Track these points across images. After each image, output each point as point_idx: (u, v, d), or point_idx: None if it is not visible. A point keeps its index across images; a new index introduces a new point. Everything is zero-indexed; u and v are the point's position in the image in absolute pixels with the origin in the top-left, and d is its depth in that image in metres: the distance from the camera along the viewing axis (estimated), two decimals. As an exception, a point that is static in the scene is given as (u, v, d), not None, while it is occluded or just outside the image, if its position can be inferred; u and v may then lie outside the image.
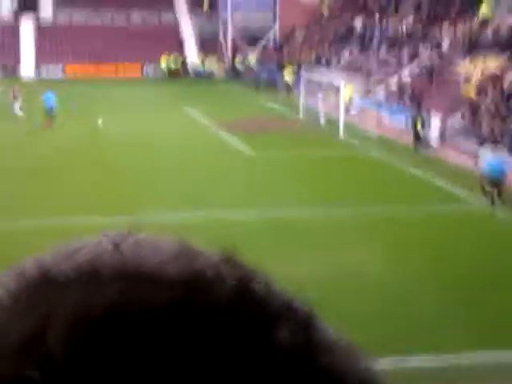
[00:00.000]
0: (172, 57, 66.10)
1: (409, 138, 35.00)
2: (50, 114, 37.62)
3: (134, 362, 0.57)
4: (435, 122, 36.73)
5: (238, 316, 0.59)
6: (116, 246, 0.62)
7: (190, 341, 0.57)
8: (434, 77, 42.63)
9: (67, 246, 0.63)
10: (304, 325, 0.61)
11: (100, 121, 37.93)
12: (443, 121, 36.65)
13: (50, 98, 38.34)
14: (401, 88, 44.42)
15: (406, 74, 46.83)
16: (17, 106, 39.97)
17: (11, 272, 0.62)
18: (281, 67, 60.72)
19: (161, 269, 0.60)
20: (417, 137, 34.76)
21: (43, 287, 0.60)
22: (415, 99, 41.58)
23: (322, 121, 39.62)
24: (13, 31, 68.46)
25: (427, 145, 35.13)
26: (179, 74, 65.79)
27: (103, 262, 0.61)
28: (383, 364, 12.13)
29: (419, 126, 34.79)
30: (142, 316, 0.58)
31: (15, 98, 40.14)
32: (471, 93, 37.96)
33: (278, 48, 67.28)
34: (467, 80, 39.81)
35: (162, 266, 0.60)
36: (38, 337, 0.57)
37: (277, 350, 0.59)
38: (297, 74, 53.08)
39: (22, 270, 0.62)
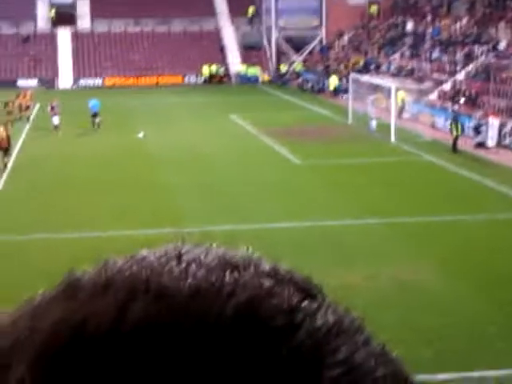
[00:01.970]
0: (214, 66, 64.79)
1: (464, 142, 33.17)
2: (95, 115, 39.87)
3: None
4: (493, 125, 34.76)
5: (228, 340, 0.61)
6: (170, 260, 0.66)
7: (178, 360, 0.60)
8: (492, 78, 40.53)
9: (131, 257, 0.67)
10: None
11: (142, 133, 36.78)
12: (502, 123, 34.65)
13: (96, 105, 40.33)
14: (455, 91, 42.41)
15: (461, 77, 44.83)
16: (56, 119, 38.77)
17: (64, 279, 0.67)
18: (328, 72, 59.01)
19: (170, 286, 0.63)
20: (455, 140, 32.94)
21: (60, 296, 0.65)
22: (469, 101, 39.68)
23: (373, 126, 37.78)
24: (51, 43, 67.79)
25: (485, 147, 33.33)
26: (222, 80, 64.42)
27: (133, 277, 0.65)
28: None
29: (457, 130, 32.86)
30: (106, 340, 0.61)
31: (54, 112, 38.95)
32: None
33: (325, 53, 65.48)
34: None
35: (174, 284, 0.63)
36: (20, 345, 0.62)
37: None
38: (345, 78, 51.27)
39: (68, 277, 0.67)
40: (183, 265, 0.66)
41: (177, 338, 0.61)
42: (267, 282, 0.65)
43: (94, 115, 39.97)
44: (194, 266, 0.66)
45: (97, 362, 0.60)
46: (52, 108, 39.31)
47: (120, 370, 0.60)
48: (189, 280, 0.64)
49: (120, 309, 0.62)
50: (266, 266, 0.68)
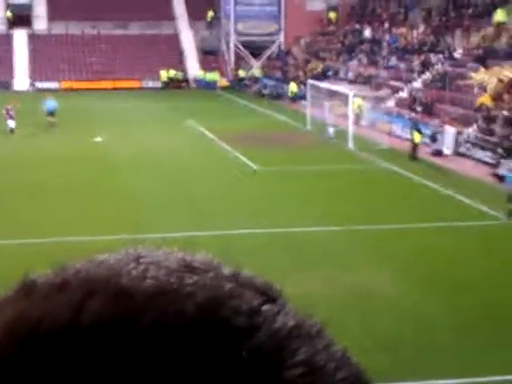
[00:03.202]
0: (172, 71, 64.59)
1: (423, 150, 33.49)
2: (51, 114, 40.41)
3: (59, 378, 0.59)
4: (449, 133, 35.13)
5: (187, 338, 0.61)
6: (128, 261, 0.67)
7: (127, 356, 0.60)
8: (447, 86, 40.95)
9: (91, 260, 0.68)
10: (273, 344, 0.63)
11: (99, 138, 36.55)
12: (458, 131, 35.01)
13: (51, 104, 41.04)
14: (412, 98, 42.77)
15: (418, 84, 45.23)
16: (11, 122, 38.31)
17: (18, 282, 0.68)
18: (286, 78, 59.19)
19: (133, 285, 0.64)
20: (413, 148, 33.20)
21: (15, 297, 0.66)
22: (426, 109, 40.06)
23: (331, 132, 37.94)
24: (7, 45, 67.03)
25: (441, 155, 33.70)
26: (180, 85, 64.24)
27: (89, 276, 0.65)
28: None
29: (417, 137, 33.17)
30: (62, 337, 0.60)
31: (10, 116, 38.47)
32: (487, 102, 36.25)
33: (283, 58, 65.63)
34: (482, 89, 38.16)
35: (135, 283, 0.64)
36: None
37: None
38: (303, 84, 51.43)
39: (24, 279, 0.67)
40: (142, 266, 0.66)
41: (134, 336, 0.60)
42: (228, 285, 0.65)
43: (50, 114, 40.39)
44: (153, 267, 0.66)
45: (52, 360, 0.60)
46: (7, 111, 38.85)
47: (75, 368, 0.59)
48: (148, 280, 0.64)
49: (76, 307, 0.62)
50: (227, 270, 0.68)
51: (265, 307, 0.65)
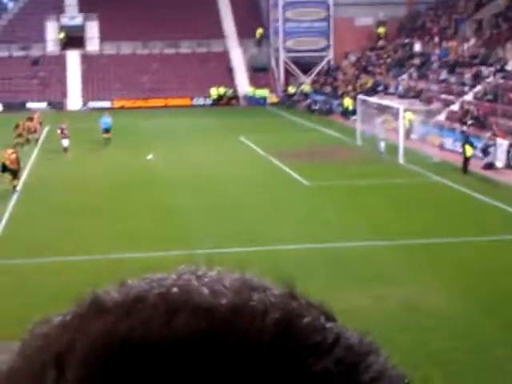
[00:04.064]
0: (222, 88, 65.00)
1: (472, 163, 33.15)
2: (106, 131, 42.36)
3: None
4: (502, 146, 34.75)
5: (272, 352, 0.62)
6: (189, 280, 0.67)
7: (205, 374, 0.62)
8: (499, 99, 40.54)
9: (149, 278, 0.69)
10: (348, 364, 0.65)
11: (150, 155, 36.88)
12: (511, 144, 34.61)
13: (107, 121, 42.70)
14: (464, 111, 42.42)
15: (469, 98, 44.86)
16: (65, 141, 38.96)
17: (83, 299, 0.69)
18: (336, 93, 59.14)
19: (207, 304, 0.65)
20: (465, 161, 32.87)
21: (87, 313, 0.67)
22: (478, 122, 39.71)
23: (382, 147, 37.80)
24: (60, 66, 68.13)
25: (493, 168, 33.36)
26: (230, 102, 64.59)
27: (156, 295, 0.66)
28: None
29: (468, 151, 32.85)
30: (157, 348, 0.62)
31: (64, 135, 39.16)
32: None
33: (333, 74, 65.62)
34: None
35: (210, 302, 0.65)
36: (58, 359, 0.64)
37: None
38: (353, 100, 51.33)
39: (87, 296, 0.68)
40: (208, 285, 0.67)
41: (222, 352, 0.62)
42: (293, 303, 0.67)
43: (106, 131, 42.17)
44: (219, 286, 0.67)
45: (146, 371, 0.62)
46: (62, 131, 39.48)
47: (167, 380, 0.61)
48: (221, 298, 0.65)
49: (165, 321, 0.63)
50: (282, 288, 0.70)
51: (329, 324, 0.67)
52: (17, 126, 42.22)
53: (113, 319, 0.65)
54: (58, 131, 39.85)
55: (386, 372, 0.67)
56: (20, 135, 41.84)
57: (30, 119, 44.71)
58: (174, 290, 0.67)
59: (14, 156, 30.83)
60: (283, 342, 0.63)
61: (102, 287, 0.69)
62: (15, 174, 30.41)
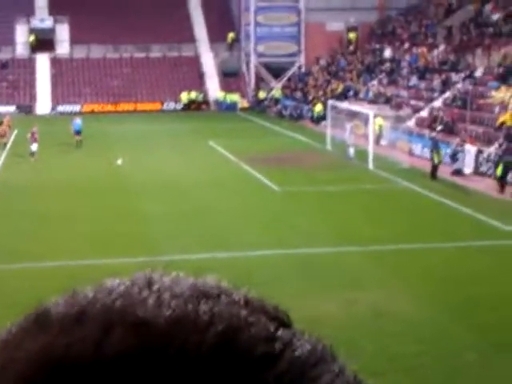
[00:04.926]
0: (193, 93, 64.90)
1: (441, 169, 33.35)
2: (77, 133, 42.91)
3: None
4: (470, 152, 34.97)
5: (210, 366, 0.61)
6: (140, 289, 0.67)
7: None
8: (468, 105, 40.80)
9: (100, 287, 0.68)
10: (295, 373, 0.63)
11: (120, 160, 36.68)
12: (479, 150, 34.85)
13: (78, 124, 43.43)
14: (433, 118, 42.66)
15: (438, 104, 45.13)
16: (34, 146, 38.60)
17: (32, 311, 0.68)
18: (306, 99, 59.24)
19: (141, 315, 0.64)
20: (433, 167, 33.12)
21: (30, 327, 0.66)
22: (447, 128, 39.96)
23: (351, 153, 37.90)
24: (29, 69, 67.63)
25: (462, 174, 33.58)
26: (201, 106, 64.50)
27: (99, 306, 0.65)
28: None
29: (438, 157, 33.05)
30: (90, 367, 0.62)
31: (34, 138, 38.80)
32: (508, 120, 36.09)
33: (304, 79, 65.73)
34: (503, 108, 38.03)
35: (147, 314, 0.64)
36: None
37: None
38: (323, 105, 51.44)
39: (34, 309, 0.68)
40: (156, 294, 0.66)
41: (158, 367, 0.61)
42: (242, 312, 0.65)
43: (77, 133, 42.76)
44: (167, 295, 0.66)
45: None
46: (32, 134, 39.20)
47: None
48: (164, 310, 0.64)
49: (98, 339, 0.62)
50: (237, 294, 0.68)
51: (280, 332, 0.65)
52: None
53: (51, 336, 0.64)
54: (29, 135, 39.54)
55: (336, 383, 0.65)
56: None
57: (0, 123, 44.33)
58: (118, 302, 0.66)
59: None
60: (223, 355, 0.62)
61: (54, 297, 0.68)
62: None
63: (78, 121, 43.76)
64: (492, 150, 34.99)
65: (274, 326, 0.66)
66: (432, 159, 33.65)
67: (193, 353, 0.62)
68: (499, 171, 30.63)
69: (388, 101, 49.87)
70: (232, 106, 64.24)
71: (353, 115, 42.17)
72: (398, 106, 48.05)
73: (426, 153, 36.77)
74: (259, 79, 68.29)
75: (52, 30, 69.91)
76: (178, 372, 0.61)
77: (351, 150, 38.11)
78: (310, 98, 58.90)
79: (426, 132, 40.89)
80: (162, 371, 0.61)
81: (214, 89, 67.26)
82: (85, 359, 0.62)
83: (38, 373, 0.62)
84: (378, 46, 61.66)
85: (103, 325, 0.64)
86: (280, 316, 0.68)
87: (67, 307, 0.67)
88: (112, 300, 0.66)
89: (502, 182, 30.36)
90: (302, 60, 68.41)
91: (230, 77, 68.72)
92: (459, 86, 45.45)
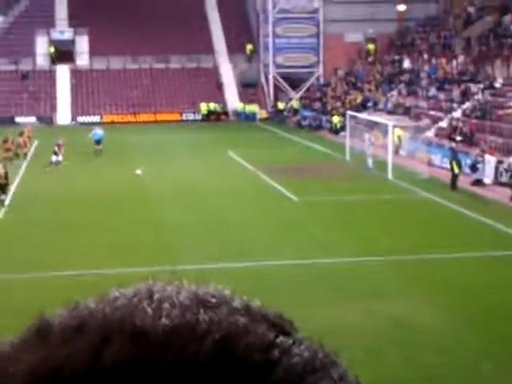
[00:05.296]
0: (212, 104, 65.08)
1: (461, 179, 33.26)
2: (97, 143, 43.37)
3: None
4: (490, 162, 34.86)
5: (207, 375, 0.61)
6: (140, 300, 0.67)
7: None
8: (488, 116, 40.72)
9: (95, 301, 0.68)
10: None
11: (139, 170, 36.83)
12: (498, 161, 34.74)
13: (98, 133, 43.91)
14: (452, 128, 42.57)
15: (458, 115, 45.03)
16: (59, 157, 38.83)
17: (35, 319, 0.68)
18: (325, 109, 59.28)
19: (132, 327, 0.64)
20: (453, 177, 32.97)
21: (31, 339, 0.66)
22: (466, 139, 39.86)
23: (370, 163, 37.87)
24: (50, 80, 68.08)
25: (482, 184, 33.47)
26: (220, 117, 64.67)
27: (98, 318, 0.66)
28: None
29: (458, 167, 32.96)
30: (86, 380, 0.62)
31: (59, 150, 39.12)
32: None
33: (322, 90, 65.78)
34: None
35: (141, 324, 0.64)
36: None
37: None
38: (342, 116, 51.45)
39: (36, 320, 0.68)
40: (156, 304, 0.66)
41: (155, 376, 0.61)
42: (241, 320, 0.65)
43: (97, 143, 43.24)
44: (167, 304, 0.66)
45: None
46: (58, 146, 39.47)
47: None
48: (163, 319, 0.64)
49: (95, 351, 0.62)
50: (239, 303, 0.68)
51: (279, 340, 0.65)
52: (5, 141, 42.12)
53: (49, 349, 0.64)
54: (56, 148, 39.68)
55: None
56: (9, 149, 41.73)
57: (21, 134, 44.67)
58: (117, 313, 0.66)
59: (2, 171, 30.75)
60: (220, 363, 0.62)
61: (57, 309, 0.69)
62: (3, 188, 30.31)
63: (98, 131, 44.31)
64: (511, 160, 34.86)
65: (274, 333, 0.66)
66: (452, 169, 33.57)
67: (189, 361, 0.62)
68: None
69: (407, 111, 49.82)
70: (251, 117, 64.38)
71: (372, 126, 42.16)
72: (417, 117, 47.99)
73: (446, 163, 36.67)
74: (278, 90, 68.41)
75: (72, 42, 70.39)
76: (175, 380, 0.61)
77: (369, 161, 38.09)
78: (329, 108, 58.94)
79: (446, 142, 40.80)
80: (159, 380, 0.61)
81: (232, 99, 67.45)
82: (83, 370, 0.62)
83: None
84: (396, 57, 61.64)
85: (101, 335, 0.64)
86: (281, 324, 0.68)
87: (68, 319, 0.67)
88: (112, 311, 0.66)
89: None
90: (320, 71, 68.48)
91: (248, 88, 68.90)
92: (478, 96, 45.36)
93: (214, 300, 0.68)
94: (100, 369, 0.62)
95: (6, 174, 30.84)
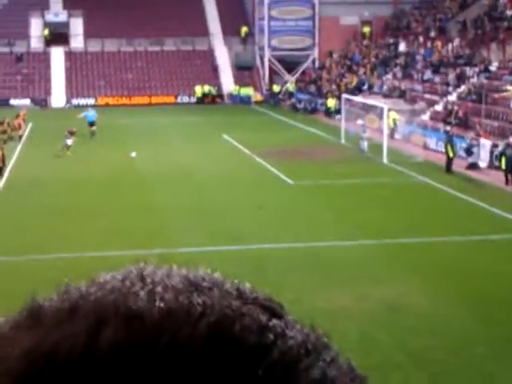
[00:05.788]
0: (207, 86, 64.89)
1: (456, 163, 33.26)
2: (91, 124, 43.30)
3: None
4: (485, 146, 34.86)
5: (203, 357, 0.62)
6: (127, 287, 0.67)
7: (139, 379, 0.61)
8: (483, 99, 40.66)
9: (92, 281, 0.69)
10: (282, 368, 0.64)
11: (134, 153, 36.75)
12: (494, 144, 34.72)
13: (92, 116, 43.88)
14: (447, 112, 42.52)
15: (453, 98, 44.98)
16: (69, 141, 38.29)
17: (24, 305, 0.68)
18: (320, 92, 59.17)
19: (129, 309, 0.64)
20: (448, 161, 32.95)
21: (23, 323, 0.66)
22: (461, 122, 39.82)
23: (365, 146, 37.83)
24: (44, 63, 67.81)
25: (477, 168, 33.48)
26: (214, 100, 64.52)
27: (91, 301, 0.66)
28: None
29: (453, 151, 32.97)
30: (80, 364, 0.62)
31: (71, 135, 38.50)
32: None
33: (318, 73, 65.63)
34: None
35: (135, 308, 0.64)
36: None
37: None
38: (337, 98, 51.36)
39: (28, 303, 0.68)
40: (149, 287, 0.67)
41: (150, 360, 0.61)
42: (234, 303, 0.66)
43: (91, 124, 43.15)
44: (159, 288, 0.67)
45: None
46: (71, 133, 38.75)
47: None
48: (157, 302, 0.65)
49: (91, 334, 0.63)
50: (230, 286, 0.69)
51: (272, 323, 0.66)
52: (1, 123, 41.96)
53: (42, 332, 0.64)
54: (66, 133, 39.06)
55: (328, 373, 0.65)
56: (4, 132, 41.59)
57: (16, 116, 44.51)
58: (110, 296, 0.66)
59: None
60: (215, 345, 0.62)
61: (48, 292, 0.68)
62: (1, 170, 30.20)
63: (91, 112, 44.28)
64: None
65: (267, 316, 0.66)
66: (446, 153, 33.56)
67: (185, 344, 0.62)
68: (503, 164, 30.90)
69: (402, 95, 49.74)
70: (246, 100, 64.23)
71: (367, 109, 42.09)
72: (413, 100, 47.94)
73: (441, 147, 36.65)
74: (273, 73, 68.24)
75: (66, 24, 70.08)
76: (171, 363, 0.61)
77: (364, 144, 38.02)
78: (324, 91, 58.83)
79: (441, 126, 40.77)
80: (154, 363, 0.61)
81: (227, 82, 67.28)
82: (78, 353, 0.62)
83: (31, 368, 0.62)
84: (392, 40, 61.49)
85: (96, 318, 0.64)
86: (273, 307, 0.69)
87: (60, 302, 0.67)
88: (104, 294, 0.66)
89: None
90: (315, 54, 68.30)
91: (243, 70, 68.72)
92: (474, 80, 45.30)
93: (205, 284, 0.68)
94: (96, 351, 0.62)
95: (3, 156, 30.68)
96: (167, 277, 0.68)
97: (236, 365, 0.62)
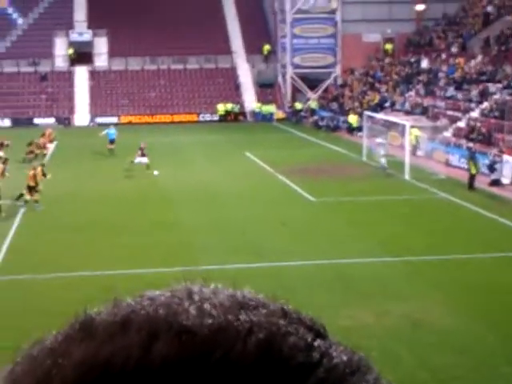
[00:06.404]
0: (229, 104, 65.04)
1: (478, 179, 33.15)
2: (111, 142, 44.27)
3: None
4: (508, 162, 34.72)
5: (254, 374, 0.63)
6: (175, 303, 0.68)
7: None
8: (506, 115, 40.53)
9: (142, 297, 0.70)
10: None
11: (156, 172, 36.90)
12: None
13: (113, 134, 44.72)
14: (470, 128, 42.42)
15: (476, 115, 44.87)
16: (144, 159, 38.34)
17: (75, 318, 0.70)
18: (342, 110, 59.21)
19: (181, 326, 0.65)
20: (471, 178, 32.90)
21: (75, 335, 0.68)
22: (484, 139, 39.70)
23: (384, 163, 37.74)
24: (68, 82, 68.39)
25: (500, 185, 33.35)
26: (237, 118, 64.69)
27: (146, 317, 0.67)
28: None
29: (476, 168, 32.87)
30: (135, 376, 0.63)
31: (143, 153, 38.58)
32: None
33: (340, 90, 65.70)
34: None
35: (191, 324, 0.65)
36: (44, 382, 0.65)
37: None
38: (360, 116, 51.37)
39: (79, 317, 0.70)
40: (198, 304, 0.68)
41: (203, 373, 0.63)
42: (280, 322, 0.68)
43: (111, 142, 44.19)
44: (207, 305, 0.68)
45: None
46: (141, 150, 39.00)
47: None
48: (206, 318, 0.66)
49: (144, 347, 0.64)
50: (275, 306, 0.71)
51: (317, 343, 0.68)
52: (30, 144, 42.59)
53: (96, 344, 0.65)
54: (139, 152, 39.34)
55: None
56: (31, 152, 42.11)
57: (42, 135, 45.14)
58: (161, 311, 0.67)
59: (31, 173, 30.78)
60: (265, 362, 0.63)
61: (96, 306, 0.70)
62: (34, 189, 30.31)
63: (112, 130, 44.91)
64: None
65: (311, 336, 0.68)
66: (469, 170, 33.47)
67: (236, 360, 0.63)
68: None
69: (425, 111, 49.68)
70: (268, 117, 64.39)
71: (389, 126, 42.05)
72: (435, 117, 47.85)
73: (464, 163, 36.57)
74: (295, 90, 68.37)
75: (90, 43, 70.68)
76: (222, 378, 0.62)
77: (383, 161, 37.88)
78: (346, 109, 58.87)
79: (464, 142, 40.67)
80: (206, 378, 0.62)
81: (250, 100, 67.49)
82: (132, 365, 0.63)
83: (84, 380, 0.63)
84: (414, 57, 61.47)
85: (148, 332, 0.65)
86: (317, 327, 0.70)
87: (111, 315, 0.68)
88: (155, 309, 0.67)
89: None
90: (338, 71, 68.40)
91: (266, 88, 68.92)
92: (497, 96, 45.17)
93: (251, 302, 0.69)
94: (150, 363, 0.63)
95: (35, 175, 30.79)
96: (214, 295, 0.70)
97: (284, 382, 0.63)
